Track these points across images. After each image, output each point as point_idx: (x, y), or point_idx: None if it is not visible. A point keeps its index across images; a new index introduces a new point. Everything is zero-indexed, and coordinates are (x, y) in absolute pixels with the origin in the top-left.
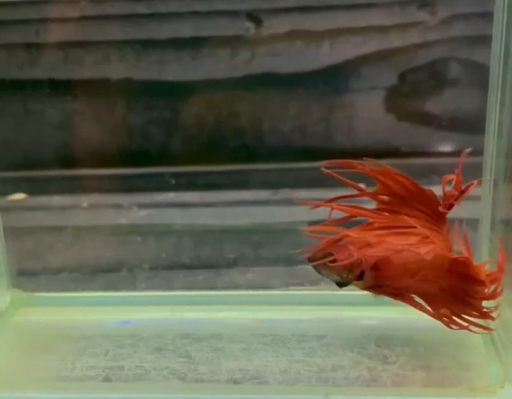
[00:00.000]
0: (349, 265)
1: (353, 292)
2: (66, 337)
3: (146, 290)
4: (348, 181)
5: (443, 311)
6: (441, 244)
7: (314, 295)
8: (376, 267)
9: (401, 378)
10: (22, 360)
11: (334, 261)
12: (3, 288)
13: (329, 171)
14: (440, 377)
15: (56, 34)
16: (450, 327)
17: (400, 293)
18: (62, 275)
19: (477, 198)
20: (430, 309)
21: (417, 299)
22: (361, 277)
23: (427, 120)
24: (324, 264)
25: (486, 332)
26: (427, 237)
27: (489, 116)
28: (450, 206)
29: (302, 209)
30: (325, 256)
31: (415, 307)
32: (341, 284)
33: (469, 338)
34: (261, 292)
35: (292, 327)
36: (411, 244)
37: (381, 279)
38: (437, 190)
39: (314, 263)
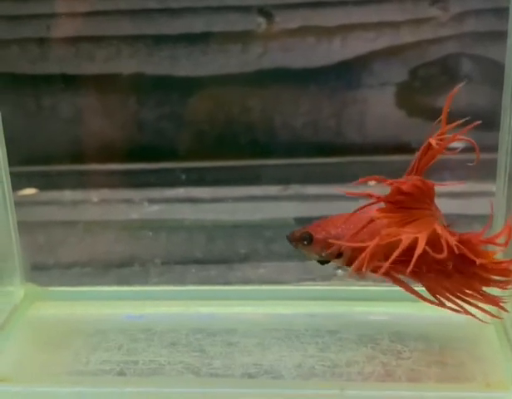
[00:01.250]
0: (327, 244)
1: (366, 287)
2: (80, 332)
3: (159, 285)
4: (363, 193)
5: (439, 291)
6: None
7: (327, 290)
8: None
9: (415, 373)
10: (37, 354)
11: (312, 240)
12: (17, 282)
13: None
14: (455, 373)
15: (67, 29)
16: (449, 309)
17: (383, 272)
18: (75, 270)
19: (491, 194)
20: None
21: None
22: (339, 255)
23: (438, 115)
24: (303, 244)
25: (489, 317)
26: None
27: (505, 112)
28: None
29: (313, 205)
30: (303, 235)
31: (400, 286)
32: (321, 262)
33: (483, 333)
34: (274, 287)
35: (305, 322)
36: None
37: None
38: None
39: (294, 244)
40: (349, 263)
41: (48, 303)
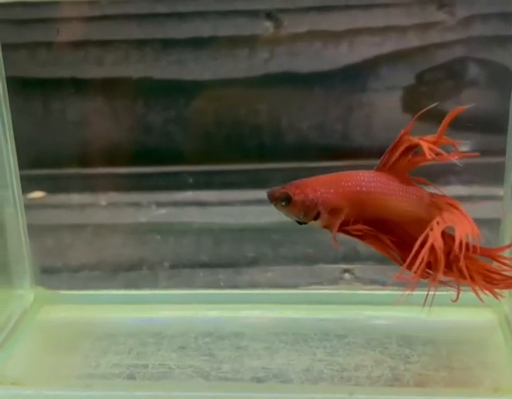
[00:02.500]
0: (305, 207)
1: (374, 291)
2: (90, 335)
3: (167, 288)
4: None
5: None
6: None
7: (335, 294)
8: (333, 209)
9: (423, 378)
10: (47, 357)
11: (290, 202)
12: (27, 285)
13: None
14: (463, 377)
15: (76, 33)
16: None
17: (362, 235)
18: (83, 273)
19: (499, 198)
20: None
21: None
22: (316, 218)
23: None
24: (281, 204)
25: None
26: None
27: None
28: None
29: None
30: (282, 195)
31: (379, 249)
32: (299, 223)
33: (491, 338)
34: (282, 290)
35: (313, 326)
36: None
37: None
38: (453, 190)
39: (273, 202)
40: (325, 226)
41: (58, 307)
